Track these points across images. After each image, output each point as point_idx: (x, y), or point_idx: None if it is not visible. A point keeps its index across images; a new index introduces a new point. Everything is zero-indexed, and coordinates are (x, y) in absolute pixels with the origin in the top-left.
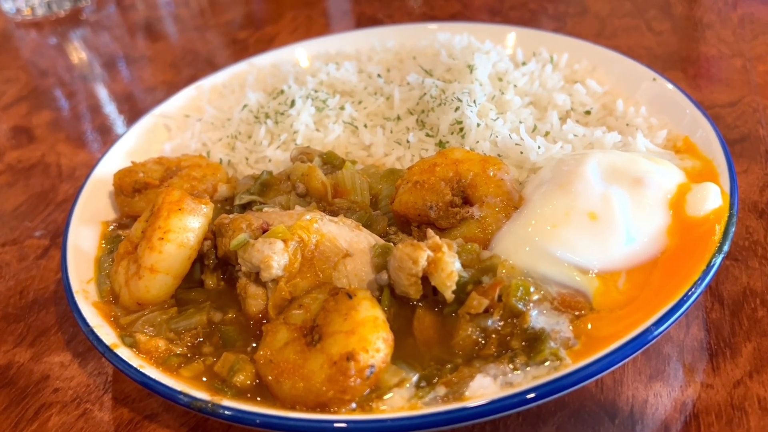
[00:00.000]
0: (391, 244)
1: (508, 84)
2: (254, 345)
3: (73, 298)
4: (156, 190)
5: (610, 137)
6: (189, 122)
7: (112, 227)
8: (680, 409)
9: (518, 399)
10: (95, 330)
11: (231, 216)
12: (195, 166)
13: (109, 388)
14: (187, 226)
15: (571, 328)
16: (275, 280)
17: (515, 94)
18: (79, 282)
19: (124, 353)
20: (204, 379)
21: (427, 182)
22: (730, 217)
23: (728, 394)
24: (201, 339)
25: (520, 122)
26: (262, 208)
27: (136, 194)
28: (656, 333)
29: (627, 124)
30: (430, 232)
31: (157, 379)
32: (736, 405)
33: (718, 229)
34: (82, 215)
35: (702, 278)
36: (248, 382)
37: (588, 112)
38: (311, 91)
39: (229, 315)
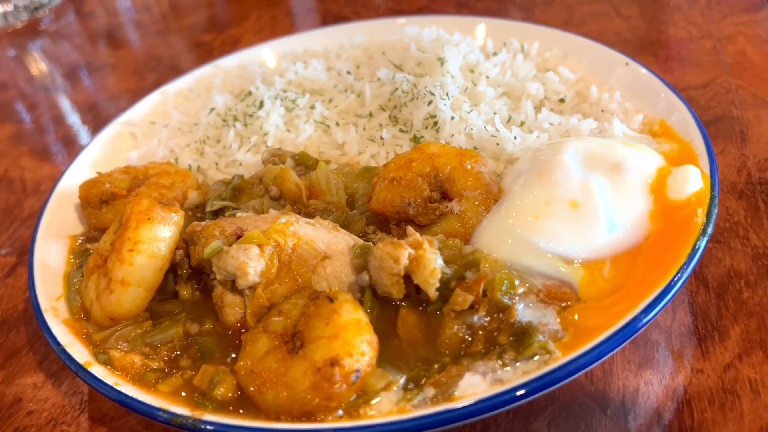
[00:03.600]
0: (371, 243)
1: (480, 75)
2: (234, 356)
3: (42, 316)
4: (124, 200)
5: (586, 124)
6: (155, 129)
7: (80, 241)
8: (672, 396)
9: (509, 396)
10: (67, 348)
11: (203, 223)
12: (163, 174)
13: (85, 407)
14: (157, 236)
15: (558, 320)
16: (252, 287)
17: (488, 86)
18: (47, 299)
19: (99, 371)
20: (183, 393)
21: (404, 178)
22: (711, 198)
23: (719, 378)
24: (178, 352)
25: (495, 113)
26: (234, 214)
27: (104, 206)
28: (645, 320)
29: (602, 111)
30: (410, 229)
31: (134, 396)
32: (727, 389)
33: (701, 212)
34: (49, 230)
35: (687, 262)
36: (230, 394)
37: (562, 100)
38: (280, 91)
39: (206, 326)
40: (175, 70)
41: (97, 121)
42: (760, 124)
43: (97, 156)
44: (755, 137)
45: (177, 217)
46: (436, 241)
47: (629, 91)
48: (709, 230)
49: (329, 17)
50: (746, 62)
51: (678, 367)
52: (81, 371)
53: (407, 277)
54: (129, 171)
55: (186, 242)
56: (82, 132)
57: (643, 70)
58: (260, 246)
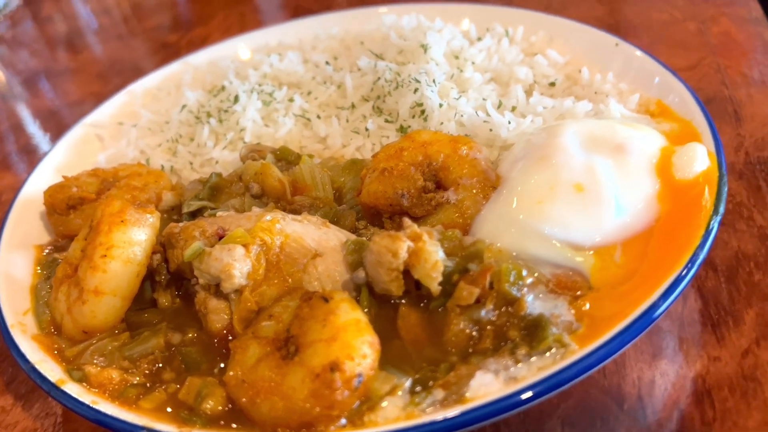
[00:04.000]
0: (364, 239)
1: (465, 61)
2: (222, 366)
3: (8, 333)
4: (93, 204)
5: (581, 106)
6: (123, 130)
7: (47, 251)
8: (690, 386)
9: (525, 395)
10: (37, 366)
11: (181, 224)
12: (134, 175)
13: (59, 430)
14: (132, 240)
15: (571, 310)
16: (239, 291)
17: (475, 71)
18: (14, 314)
19: (73, 389)
20: (168, 409)
21: (395, 168)
22: (720, 176)
23: (738, 365)
24: (160, 365)
25: (484, 99)
26: (214, 214)
27: (71, 211)
28: (664, 306)
29: (596, 93)
30: (407, 220)
31: (113, 415)
32: (747, 375)
33: (710, 191)
34: (12, 240)
35: (702, 244)
36: (219, 407)
37: (553, 84)
38: (255, 85)
39: (189, 335)
40: (141, 73)
41: (60, 128)
42: (752, 103)
43: (61, 160)
44: (749, 116)
45: (152, 219)
46: (435, 232)
47: (621, 73)
48: (721, 209)
49: (300, 12)
50: (731, 42)
51: (693, 355)
52: (54, 390)
53: (406, 273)
54: (97, 174)
55: (163, 246)
56: (44, 139)
57: (636, 51)
58: (245, 246)
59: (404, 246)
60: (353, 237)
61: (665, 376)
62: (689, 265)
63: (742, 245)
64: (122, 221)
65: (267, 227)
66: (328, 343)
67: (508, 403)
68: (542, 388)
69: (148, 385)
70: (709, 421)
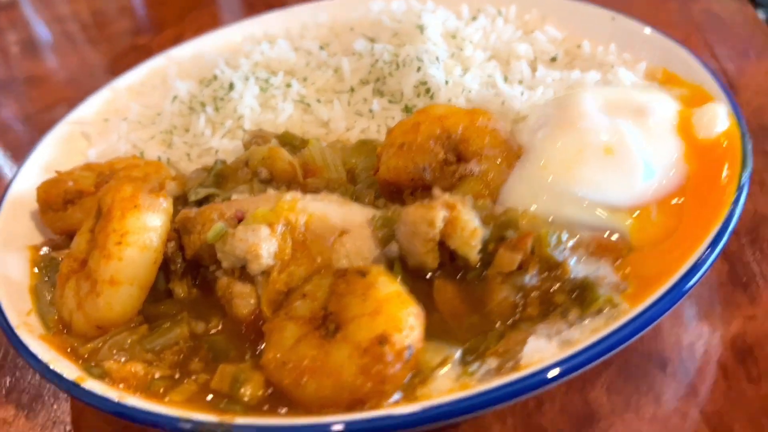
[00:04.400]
0: (394, 212)
1: (463, 40)
2: (252, 352)
3: (15, 334)
4: (93, 197)
5: (590, 76)
6: (110, 126)
7: (45, 250)
8: (730, 346)
9: (585, 356)
10: (52, 366)
11: (195, 209)
12: (132, 167)
13: None
14: (147, 225)
15: (615, 272)
16: (266, 272)
17: (475, 50)
18: (18, 315)
19: (96, 387)
20: (209, 396)
21: (414, 143)
22: (742, 134)
23: None
24: (183, 356)
25: (489, 76)
26: (224, 201)
27: (69, 206)
28: (711, 260)
29: (600, 64)
30: (438, 190)
31: (147, 409)
32: None
33: (733, 148)
34: (4, 243)
35: (737, 199)
36: (259, 392)
37: (554, 59)
38: (248, 72)
39: (213, 323)
40: (114, 76)
41: (34, 133)
42: (744, 74)
43: (48, 159)
44: (743, 87)
45: (166, 204)
46: (468, 200)
47: (622, 45)
48: (750, 164)
49: (277, 5)
50: (714, 18)
51: (728, 316)
52: (74, 389)
53: (440, 245)
54: (91, 168)
55: (178, 232)
56: (20, 145)
57: (633, 22)
58: (270, 225)
59: (440, 215)
60: (378, 212)
61: (703, 338)
62: (728, 219)
63: (759, 207)
64: (135, 206)
65: (289, 206)
66: (372, 316)
67: (569, 366)
68: (600, 348)
69: (175, 377)
70: (754, 378)
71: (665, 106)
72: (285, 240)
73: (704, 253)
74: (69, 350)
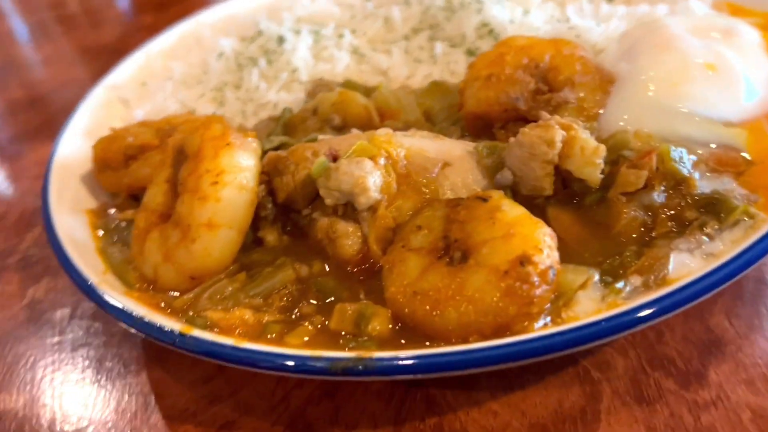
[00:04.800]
0: (498, 142)
1: None
2: (369, 289)
3: (96, 291)
4: (159, 150)
5: (659, 9)
6: (151, 88)
7: (112, 211)
8: None
9: (735, 265)
10: (147, 319)
11: (284, 150)
12: (193, 121)
13: (151, 409)
14: (241, 164)
15: (740, 185)
16: (372, 208)
17: None
18: (94, 274)
19: (207, 336)
20: (344, 333)
21: (502, 74)
22: None
23: None
24: (291, 300)
25: (552, 16)
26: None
27: (131, 162)
28: None
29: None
30: (545, 114)
31: (272, 351)
32: None
33: None
34: (61, 209)
35: None
36: (389, 326)
37: None
38: (294, 26)
39: (316, 267)
40: (123, 54)
41: (49, 112)
42: None
43: (87, 124)
44: None
45: (255, 143)
46: (578, 121)
47: None
48: None
49: None
50: None
51: None
52: (181, 339)
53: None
54: (147, 124)
55: (267, 175)
56: (40, 125)
57: None
58: (372, 158)
59: (559, 134)
60: (473, 144)
61: None
62: None
63: None
64: (228, 144)
65: (386, 140)
66: (505, 239)
67: (721, 275)
68: (749, 257)
69: (293, 318)
70: None
71: (749, 29)
72: (389, 173)
73: None
74: (163, 305)
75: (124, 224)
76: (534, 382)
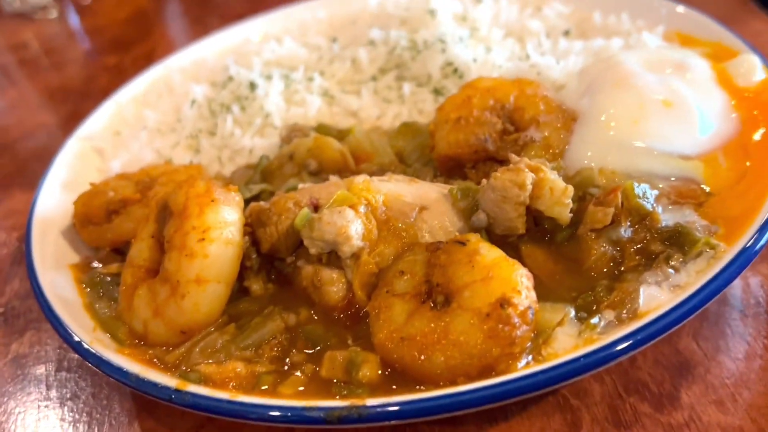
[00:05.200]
0: (470, 183)
1: (475, 21)
2: (356, 335)
3: (88, 351)
4: (140, 204)
5: (615, 43)
6: (125, 137)
7: (96, 265)
8: None
9: (703, 295)
10: (142, 376)
11: (263, 202)
12: (171, 172)
13: None
14: (226, 219)
15: (700, 217)
16: (355, 255)
17: (490, 29)
18: (85, 333)
19: (202, 390)
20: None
21: (470, 116)
22: None
23: None
24: (281, 350)
25: (512, 52)
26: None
27: (113, 216)
28: None
29: (616, 33)
30: (514, 156)
31: (268, 404)
32: None
33: None
34: (44, 265)
35: None
36: (378, 372)
37: (567, 32)
38: (264, 70)
39: (303, 314)
40: (90, 97)
41: (19, 159)
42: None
43: (64, 177)
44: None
45: (238, 197)
46: (546, 162)
47: (632, 14)
48: None
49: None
50: None
51: None
52: (178, 395)
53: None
54: (126, 177)
55: (251, 227)
56: (10, 174)
57: None
58: (352, 207)
59: (529, 177)
60: (452, 186)
61: None
62: None
63: None
64: (213, 200)
65: (364, 187)
66: (485, 282)
67: (690, 306)
68: (714, 287)
69: (284, 369)
70: None
71: (699, 61)
72: (369, 220)
73: None
74: (155, 360)
75: (108, 278)
76: (517, 412)
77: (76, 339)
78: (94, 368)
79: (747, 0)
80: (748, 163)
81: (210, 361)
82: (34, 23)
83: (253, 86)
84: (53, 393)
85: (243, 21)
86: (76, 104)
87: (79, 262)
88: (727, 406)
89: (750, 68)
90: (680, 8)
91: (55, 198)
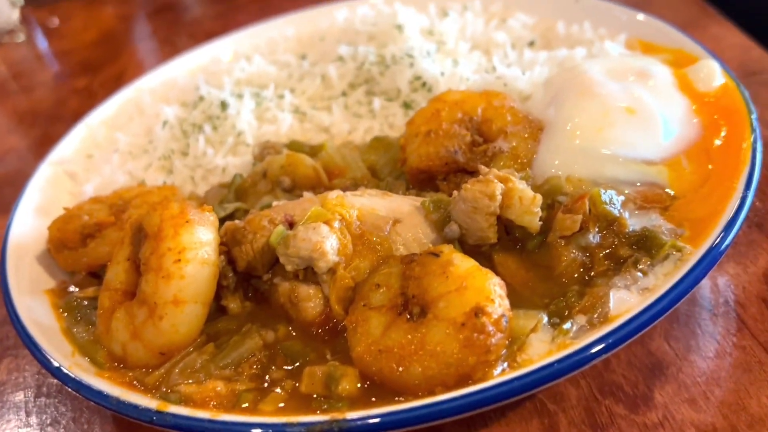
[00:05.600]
0: (442, 195)
1: (441, 35)
2: (335, 349)
3: (68, 375)
4: (115, 227)
5: (578, 52)
6: (97, 160)
7: (72, 289)
8: (764, 280)
9: (672, 297)
10: (123, 399)
11: (237, 221)
12: (145, 194)
13: None
14: (201, 240)
15: (666, 220)
16: (331, 270)
17: (457, 42)
18: (63, 357)
19: (183, 410)
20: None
21: (439, 129)
22: (737, 83)
23: None
24: (261, 367)
25: (479, 64)
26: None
27: (89, 240)
28: (751, 194)
29: (580, 43)
30: (484, 168)
31: (249, 422)
32: None
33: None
34: (20, 291)
35: (755, 139)
36: (357, 385)
37: (532, 43)
38: (234, 89)
39: (281, 330)
40: (60, 120)
41: None
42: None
43: (37, 202)
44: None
45: (213, 217)
46: (514, 172)
47: (593, 23)
48: (753, 109)
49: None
50: None
51: (753, 254)
52: (159, 417)
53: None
54: (100, 200)
55: (226, 246)
56: None
57: (597, 1)
58: (327, 222)
59: (499, 187)
60: (424, 199)
61: (739, 276)
62: (753, 158)
63: None
64: (187, 221)
65: (338, 202)
66: (459, 292)
67: (659, 308)
68: (681, 289)
69: (264, 386)
70: None
71: (661, 68)
72: (344, 235)
73: (744, 190)
74: (135, 383)
75: (85, 302)
76: (496, 418)
77: (55, 364)
78: (74, 392)
79: (706, 5)
80: (710, 166)
81: (190, 381)
82: (1, 47)
83: (224, 105)
84: (33, 419)
85: (212, 40)
86: (46, 128)
87: (55, 287)
88: (700, 404)
89: (710, 73)
90: (641, 16)
91: (28, 224)
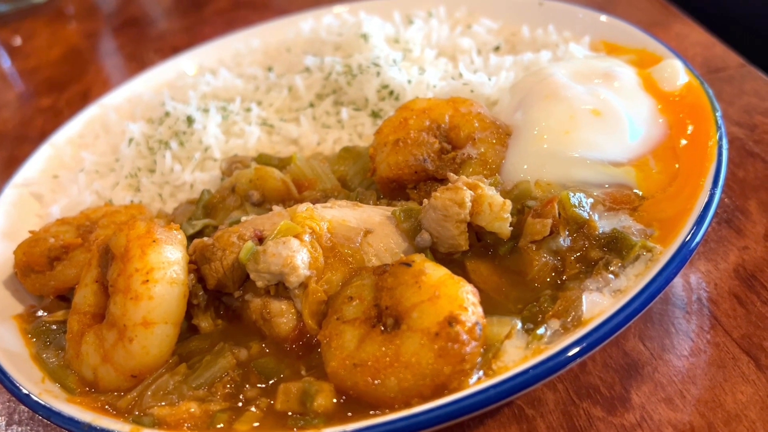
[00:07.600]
0: (412, 204)
1: (407, 43)
2: (309, 365)
3: (38, 402)
4: (82, 249)
5: (543, 55)
6: (63, 181)
7: (41, 314)
8: (735, 275)
9: (644, 297)
10: (94, 424)
11: (206, 238)
12: (112, 213)
13: None
14: (169, 259)
15: (636, 221)
16: (303, 285)
17: (423, 50)
18: (34, 385)
19: None
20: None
21: (408, 137)
22: (701, 82)
23: (765, 247)
24: (234, 386)
25: (445, 71)
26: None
27: (56, 263)
28: (719, 192)
29: (544, 45)
30: (453, 175)
31: None
32: None
33: (697, 94)
34: None
35: (720, 137)
36: (333, 401)
37: (497, 48)
38: (200, 104)
39: (254, 348)
40: (27, 140)
41: None
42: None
43: (3, 226)
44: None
45: (180, 235)
46: (483, 179)
47: (558, 26)
48: (717, 107)
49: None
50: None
51: (723, 251)
52: None
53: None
54: (67, 222)
55: (195, 264)
56: None
57: (560, 4)
58: (297, 236)
59: (468, 195)
60: (394, 208)
61: (709, 273)
62: (719, 155)
63: None
64: (154, 241)
65: (308, 215)
66: (432, 301)
67: (631, 310)
68: (653, 290)
69: (238, 405)
70: (765, 300)
71: (625, 69)
72: (315, 248)
73: (712, 188)
74: (107, 407)
75: (54, 326)
76: (474, 426)
77: (25, 391)
78: (45, 420)
79: (668, 4)
80: (677, 165)
81: (163, 403)
82: None
83: (190, 120)
84: None
85: (177, 55)
86: (12, 149)
87: (23, 312)
88: (676, 403)
89: (673, 73)
90: (603, 17)
91: None
